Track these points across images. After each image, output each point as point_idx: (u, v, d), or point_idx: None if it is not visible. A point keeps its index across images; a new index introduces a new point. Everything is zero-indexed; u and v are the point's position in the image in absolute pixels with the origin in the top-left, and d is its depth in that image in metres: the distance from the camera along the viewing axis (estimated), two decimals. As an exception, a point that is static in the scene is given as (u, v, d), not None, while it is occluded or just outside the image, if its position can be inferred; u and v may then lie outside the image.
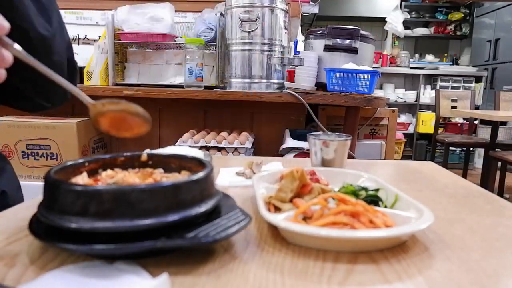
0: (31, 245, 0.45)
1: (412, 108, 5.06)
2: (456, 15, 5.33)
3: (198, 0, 2.09)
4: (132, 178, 0.49)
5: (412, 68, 5.06)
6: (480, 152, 4.47)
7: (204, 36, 1.81)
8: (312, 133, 0.84)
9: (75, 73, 0.79)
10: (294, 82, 1.78)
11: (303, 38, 2.18)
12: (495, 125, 3.07)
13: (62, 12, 0.75)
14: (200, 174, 0.45)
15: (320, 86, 1.77)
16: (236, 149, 1.57)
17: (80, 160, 0.51)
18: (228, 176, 0.81)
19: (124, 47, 1.98)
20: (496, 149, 3.07)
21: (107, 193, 0.39)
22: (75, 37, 2.33)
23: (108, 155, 0.56)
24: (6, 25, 0.39)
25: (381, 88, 5.05)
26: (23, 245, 0.45)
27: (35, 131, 1.63)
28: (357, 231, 0.45)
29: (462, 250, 0.47)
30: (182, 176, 0.52)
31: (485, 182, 3.01)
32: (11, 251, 0.44)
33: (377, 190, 0.61)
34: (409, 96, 4.99)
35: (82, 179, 0.48)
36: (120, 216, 0.39)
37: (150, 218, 0.39)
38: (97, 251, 0.39)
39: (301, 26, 2.45)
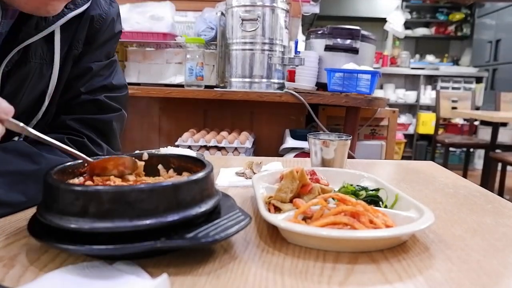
0: (31, 245, 0.45)
1: (413, 109, 5.06)
2: (457, 16, 5.33)
3: (199, -1, 2.09)
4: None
5: (412, 68, 5.06)
6: (480, 153, 4.47)
7: (205, 35, 1.81)
8: (312, 133, 0.84)
9: None
10: (294, 82, 1.78)
11: (303, 38, 2.18)
12: (496, 126, 3.07)
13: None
14: (200, 174, 0.45)
15: (321, 86, 1.77)
16: (236, 148, 1.57)
17: (80, 161, 0.51)
18: (228, 176, 0.81)
19: (124, 46, 1.97)
20: (497, 150, 3.07)
21: (107, 193, 0.39)
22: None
23: (108, 155, 0.56)
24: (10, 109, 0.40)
25: (381, 88, 5.05)
26: (23, 245, 0.45)
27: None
28: (357, 231, 0.45)
29: (462, 250, 0.47)
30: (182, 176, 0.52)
31: (485, 183, 3.01)
32: (10, 251, 0.44)
33: (377, 190, 0.61)
34: (410, 96, 4.98)
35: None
36: (120, 216, 0.39)
37: (149, 218, 0.39)
38: (97, 251, 0.39)
39: (301, 26, 2.45)
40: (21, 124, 0.42)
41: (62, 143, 0.66)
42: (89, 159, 0.49)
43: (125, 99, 0.79)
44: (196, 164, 0.52)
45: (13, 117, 0.66)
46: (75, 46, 0.68)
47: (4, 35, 0.59)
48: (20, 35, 0.59)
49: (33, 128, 0.67)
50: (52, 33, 0.64)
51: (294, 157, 1.54)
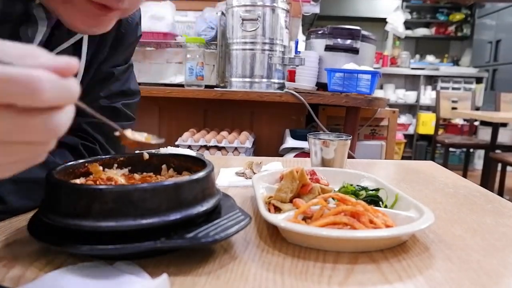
0: (31, 245, 0.45)
1: (413, 109, 5.06)
2: (457, 16, 5.33)
3: (199, -1, 2.09)
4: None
5: (412, 68, 5.06)
6: (480, 154, 4.47)
7: (205, 35, 1.81)
8: (312, 133, 0.84)
9: None
10: (294, 82, 1.78)
11: (304, 38, 2.18)
12: (496, 127, 3.07)
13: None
14: (201, 173, 0.45)
15: (321, 86, 1.77)
16: (236, 148, 1.57)
17: (81, 160, 0.51)
18: (228, 176, 0.81)
19: (124, 46, 1.97)
20: (497, 151, 3.07)
21: (110, 192, 0.39)
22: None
23: (109, 155, 0.56)
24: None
25: (381, 88, 5.05)
26: (23, 246, 0.45)
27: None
28: (357, 231, 0.45)
29: (462, 250, 0.47)
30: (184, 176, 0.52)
31: (485, 184, 3.01)
32: (10, 251, 0.44)
33: (377, 190, 0.61)
34: (410, 96, 4.98)
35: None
36: (123, 215, 0.39)
37: (152, 217, 0.39)
38: (97, 251, 0.39)
39: (302, 26, 2.45)
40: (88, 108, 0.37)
41: (76, 149, 0.66)
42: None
43: (137, 106, 0.79)
44: (196, 163, 0.52)
45: None
46: (101, 51, 0.68)
47: (42, 43, 0.57)
48: (52, 39, 0.58)
49: None
50: (81, 37, 0.63)
51: (294, 157, 1.53)
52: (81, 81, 0.66)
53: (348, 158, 0.86)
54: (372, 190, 0.61)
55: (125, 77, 0.75)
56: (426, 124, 4.69)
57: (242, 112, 1.91)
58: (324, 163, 0.81)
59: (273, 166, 0.91)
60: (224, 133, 1.64)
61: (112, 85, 0.72)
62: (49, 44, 0.58)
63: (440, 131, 4.31)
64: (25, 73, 0.25)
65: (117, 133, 0.45)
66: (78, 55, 0.63)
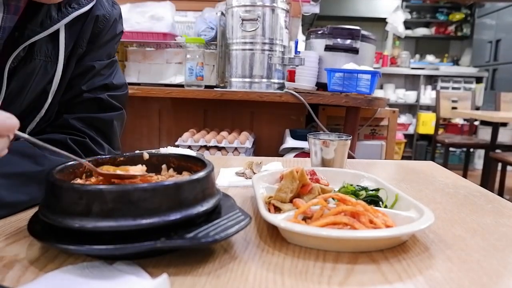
0: (31, 245, 0.45)
1: (413, 109, 5.06)
2: (457, 16, 5.33)
3: (199, -1, 2.09)
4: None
5: (412, 68, 5.06)
6: (480, 153, 4.47)
7: (205, 35, 1.81)
8: (312, 133, 0.84)
9: None
10: (294, 82, 1.78)
11: (303, 38, 2.18)
12: (496, 126, 3.07)
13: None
14: (201, 174, 0.45)
15: (321, 86, 1.77)
16: (236, 148, 1.57)
17: (81, 160, 0.51)
18: (228, 176, 0.81)
19: (124, 46, 1.97)
20: (497, 150, 3.07)
21: (110, 192, 0.39)
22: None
23: (109, 155, 0.56)
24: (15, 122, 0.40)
25: (381, 88, 5.05)
26: (23, 245, 0.45)
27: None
28: (357, 231, 0.45)
29: (462, 250, 0.47)
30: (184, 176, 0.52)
31: (485, 183, 3.01)
32: (10, 251, 0.44)
33: (377, 190, 0.61)
34: (410, 96, 4.98)
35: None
36: (123, 215, 0.39)
37: (152, 217, 0.39)
38: (97, 251, 0.39)
39: (301, 26, 2.45)
40: (27, 136, 0.42)
41: (65, 144, 0.67)
42: (95, 168, 0.49)
43: (125, 98, 0.80)
44: (196, 163, 0.52)
45: (18, 113, 0.66)
46: (80, 45, 0.70)
47: (8, 30, 0.59)
48: (25, 32, 0.60)
49: (36, 125, 0.69)
50: (57, 31, 0.65)
51: (294, 157, 1.54)
52: (62, 74, 0.68)
53: (348, 158, 0.86)
54: (372, 190, 0.61)
55: (109, 72, 0.76)
56: (426, 124, 4.69)
57: (242, 112, 1.91)
58: (324, 163, 0.81)
59: (273, 166, 0.91)
60: (224, 133, 1.64)
61: (94, 79, 0.73)
62: (21, 35, 0.60)
63: (440, 131, 4.31)
64: None
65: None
66: (56, 48, 0.66)
